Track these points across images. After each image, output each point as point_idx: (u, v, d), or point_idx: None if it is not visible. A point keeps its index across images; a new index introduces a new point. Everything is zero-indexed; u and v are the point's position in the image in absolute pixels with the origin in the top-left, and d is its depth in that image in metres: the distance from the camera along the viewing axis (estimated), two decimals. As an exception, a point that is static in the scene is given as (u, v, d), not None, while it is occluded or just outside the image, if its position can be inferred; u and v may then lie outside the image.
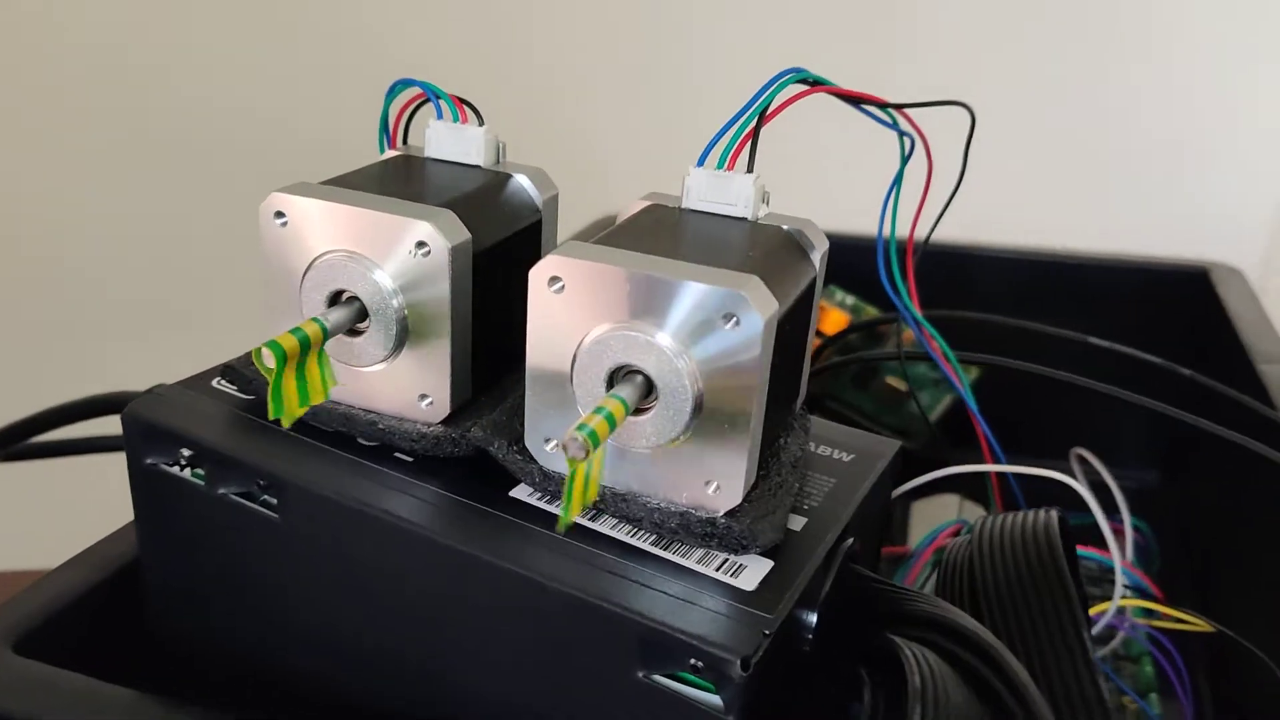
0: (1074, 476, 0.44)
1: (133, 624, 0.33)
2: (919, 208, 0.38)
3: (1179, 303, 0.63)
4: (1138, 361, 0.48)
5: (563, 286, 0.25)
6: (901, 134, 0.35)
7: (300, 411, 0.26)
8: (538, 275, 0.25)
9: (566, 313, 0.26)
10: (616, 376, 0.26)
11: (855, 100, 0.33)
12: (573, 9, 0.70)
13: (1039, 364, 0.41)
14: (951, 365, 0.39)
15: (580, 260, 0.25)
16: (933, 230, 0.40)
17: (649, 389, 0.25)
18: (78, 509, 0.54)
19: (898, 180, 0.36)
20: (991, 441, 0.40)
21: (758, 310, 0.24)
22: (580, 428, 0.23)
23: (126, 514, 0.33)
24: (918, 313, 0.39)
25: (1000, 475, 0.41)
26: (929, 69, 0.67)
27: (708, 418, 0.25)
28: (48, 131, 0.69)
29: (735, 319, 0.24)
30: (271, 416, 0.26)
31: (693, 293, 0.24)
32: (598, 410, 0.23)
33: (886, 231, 0.38)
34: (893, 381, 0.54)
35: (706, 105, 0.70)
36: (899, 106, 0.33)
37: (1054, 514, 0.29)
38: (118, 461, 0.34)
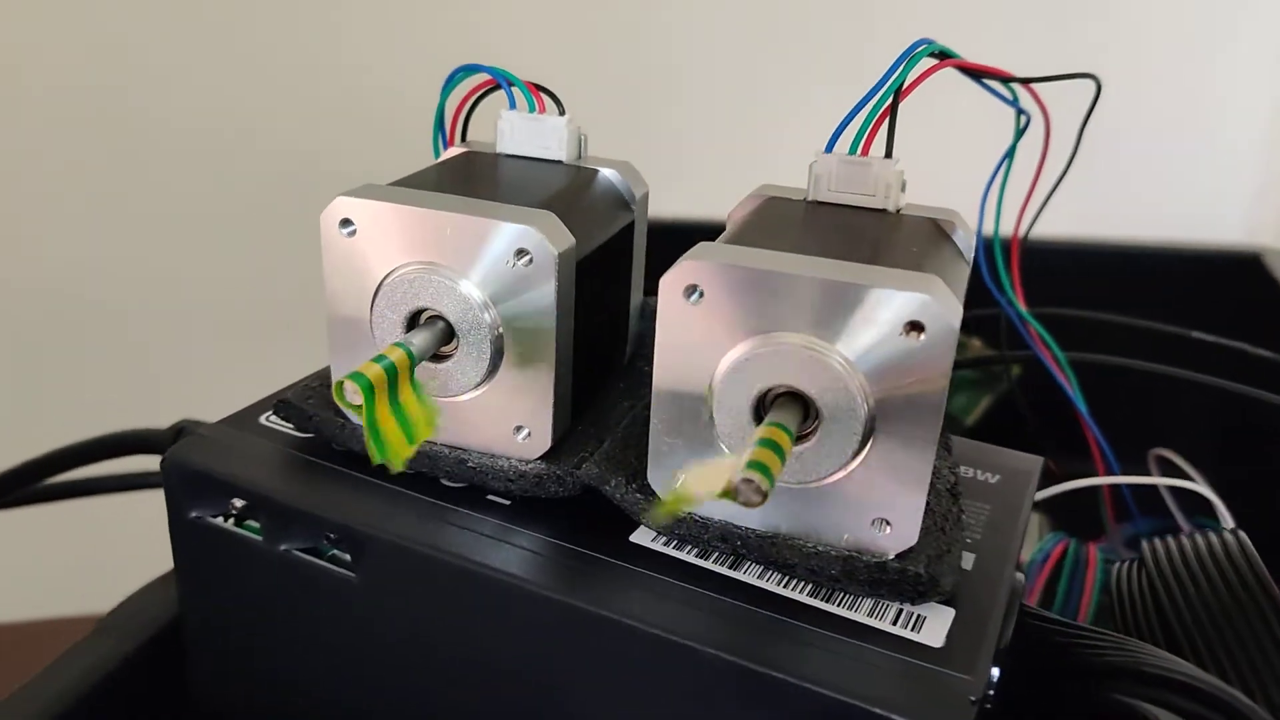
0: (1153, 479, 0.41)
1: (174, 701, 0.29)
2: (1030, 190, 0.34)
3: (1232, 288, 0.61)
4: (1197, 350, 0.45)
5: (701, 296, 0.21)
6: (1020, 111, 0.31)
7: (410, 451, 0.22)
8: (672, 284, 0.21)
9: (706, 327, 0.22)
10: (765, 400, 0.22)
11: (978, 74, 0.29)
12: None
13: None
14: (1061, 367, 0.36)
15: (726, 264, 0.21)
16: (1036, 219, 0.36)
17: (805, 413, 0.21)
18: (99, 554, 0.50)
19: (1009, 154, 0.32)
20: (1105, 450, 0.36)
21: (947, 316, 0.20)
22: (752, 466, 0.19)
23: (157, 560, 0.29)
24: (1023, 309, 0.35)
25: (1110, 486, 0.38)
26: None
27: (878, 444, 0.21)
28: (65, 142, 0.64)
29: (921, 328, 0.20)
30: (376, 461, 0.21)
31: (870, 297, 0.20)
32: (763, 443, 0.20)
33: (990, 219, 0.34)
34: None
35: (692, 96, 0.67)
36: (1025, 81, 0.30)
37: (1242, 535, 0.26)
38: (144, 501, 0.30)
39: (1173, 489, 0.43)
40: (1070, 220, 0.56)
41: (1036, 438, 0.42)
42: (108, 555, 0.44)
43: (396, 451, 0.21)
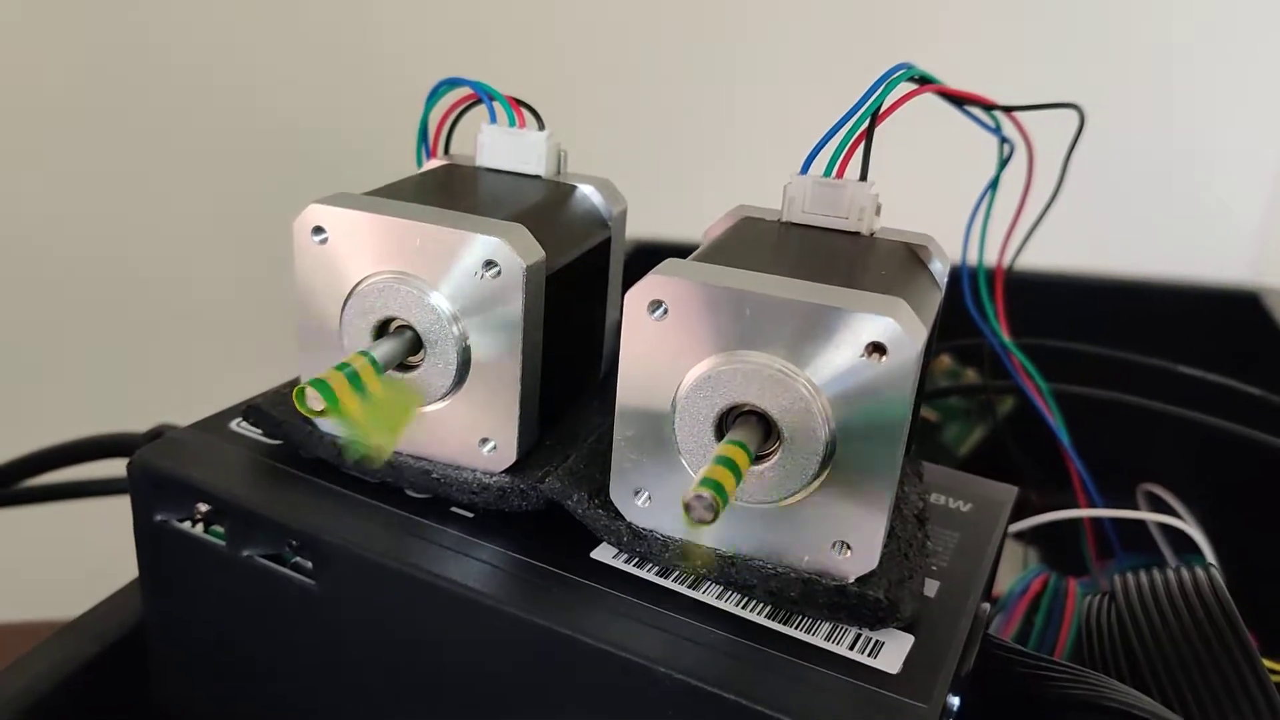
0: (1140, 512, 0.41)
1: (134, 706, 0.29)
2: (1014, 220, 0.34)
3: (1229, 327, 0.60)
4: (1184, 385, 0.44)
5: (666, 312, 0.21)
6: (1003, 139, 0.31)
7: (396, 437, 0.23)
8: (636, 298, 0.21)
9: (669, 343, 0.22)
10: (728, 419, 0.22)
11: (959, 100, 0.29)
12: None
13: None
14: (1044, 397, 0.36)
15: (690, 281, 0.21)
16: (1021, 249, 0.36)
17: (767, 432, 0.21)
18: (68, 562, 0.50)
19: (993, 184, 0.32)
20: (1087, 482, 0.36)
21: (909, 340, 0.20)
22: (705, 483, 0.19)
23: (125, 569, 0.29)
24: (1007, 339, 0.35)
25: (1092, 519, 0.38)
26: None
27: (839, 466, 0.21)
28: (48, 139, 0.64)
29: (883, 350, 0.20)
30: (362, 453, 0.22)
31: (831, 318, 0.20)
32: (719, 460, 0.20)
33: (974, 248, 0.34)
34: (923, 413, 0.50)
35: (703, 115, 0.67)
36: (1007, 109, 0.30)
37: (1213, 570, 0.25)
38: (116, 508, 0.30)
39: (1161, 525, 0.42)
40: (1073, 253, 0.57)
41: (1023, 470, 0.42)
42: (84, 560, 0.44)
43: (383, 440, 0.22)
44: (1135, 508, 0.44)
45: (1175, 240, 0.69)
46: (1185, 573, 0.26)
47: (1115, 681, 0.22)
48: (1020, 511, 0.35)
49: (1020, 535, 0.43)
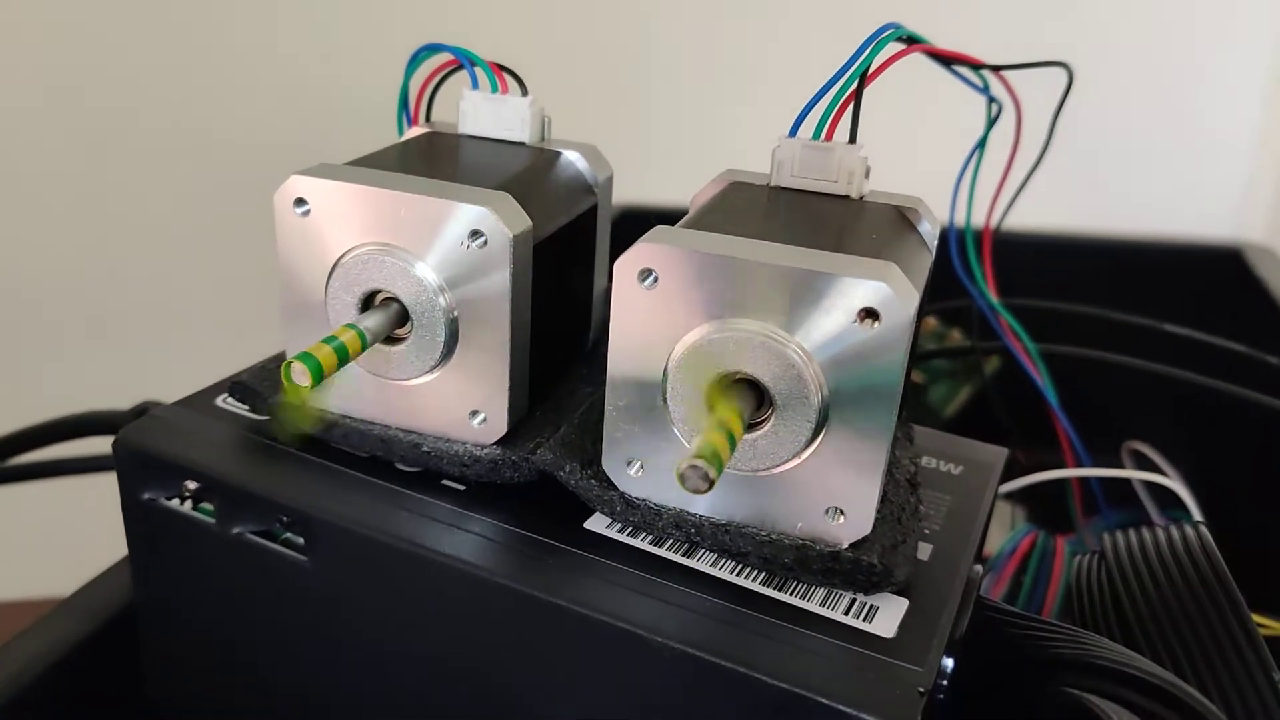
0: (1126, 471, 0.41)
1: (127, 685, 0.28)
2: (1001, 180, 0.34)
3: (1213, 283, 0.60)
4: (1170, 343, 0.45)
5: (656, 280, 0.21)
6: (991, 99, 0.31)
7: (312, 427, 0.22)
8: (626, 267, 0.21)
9: (660, 312, 0.21)
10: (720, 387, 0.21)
11: (947, 60, 0.29)
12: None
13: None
14: (1031, 358, 0.36)
15: (680, 248, 0.21)
16: (1008, 210, 0.36)
17: (761, 400, 0.21)
18: (59, 540, 0.49)
19: (981, 144, 0.32)
20: (1075, 442, 0.36)
21: (902, 304, 0.20)
22: (701, 452, 0.19)
23: (116, 548, 0.29)
24: (994, 300, 0.35)
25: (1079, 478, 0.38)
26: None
27: (832, 433, 0.21)
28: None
29: (875, 315, 0.20)
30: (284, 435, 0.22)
31: (824, 284, 0.20)
32: (713, 429, 0.19)
33: (962, 208, 0.34)
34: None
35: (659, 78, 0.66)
36: (995, 68, 0.29)
37: (1203, 528, 0.26)
38: (103, 484, 0.30)
39: (1147, 483, 0.43)
40: (1059, 213, 0.56)
41: (1010, 430, 0.42)
42: (71, 538, 0.44)
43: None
44: (1121, 465, 0.44)
45: (1157, 197, 0.69)
46: (1175, 531, 0.26)
47: (1107, 640, 0.22)
48: (1008, 472, 0.35)
49: (1008, 495, 0.44)
